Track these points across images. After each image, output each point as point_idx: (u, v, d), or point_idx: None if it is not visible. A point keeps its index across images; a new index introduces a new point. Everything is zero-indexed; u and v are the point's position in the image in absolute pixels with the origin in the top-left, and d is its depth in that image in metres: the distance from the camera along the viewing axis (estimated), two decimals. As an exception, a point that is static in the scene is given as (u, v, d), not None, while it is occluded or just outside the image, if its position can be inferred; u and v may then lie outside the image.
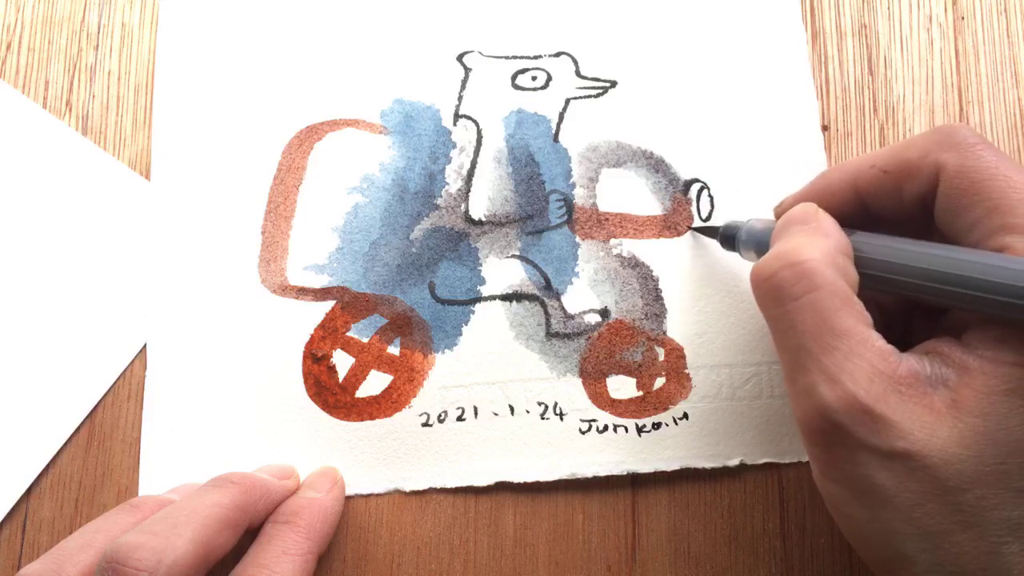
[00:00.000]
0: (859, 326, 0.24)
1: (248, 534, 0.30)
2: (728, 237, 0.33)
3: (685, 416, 0.34)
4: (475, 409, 0.35)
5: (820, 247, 0.25)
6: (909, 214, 0.27)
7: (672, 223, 0.36)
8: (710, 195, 0.36)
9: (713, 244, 0.36)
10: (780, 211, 0.30)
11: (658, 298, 0.35)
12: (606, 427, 0.34)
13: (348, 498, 0.34)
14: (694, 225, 0.36)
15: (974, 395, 0.23)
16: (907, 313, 0.30)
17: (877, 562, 0.25)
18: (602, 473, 0.34)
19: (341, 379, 0.35)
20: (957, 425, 0.22)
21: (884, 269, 0.25)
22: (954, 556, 0.23)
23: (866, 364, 0.23)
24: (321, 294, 0.36)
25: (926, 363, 0.24)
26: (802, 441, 0.26)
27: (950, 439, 0.22)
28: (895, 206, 0.27)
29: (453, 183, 0.37)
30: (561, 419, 0.34)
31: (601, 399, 0.35)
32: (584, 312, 0.35)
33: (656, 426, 0.34)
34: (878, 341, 0.24)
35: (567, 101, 0.38)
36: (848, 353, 0.23)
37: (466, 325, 0.35)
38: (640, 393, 0.35)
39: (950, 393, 0.23)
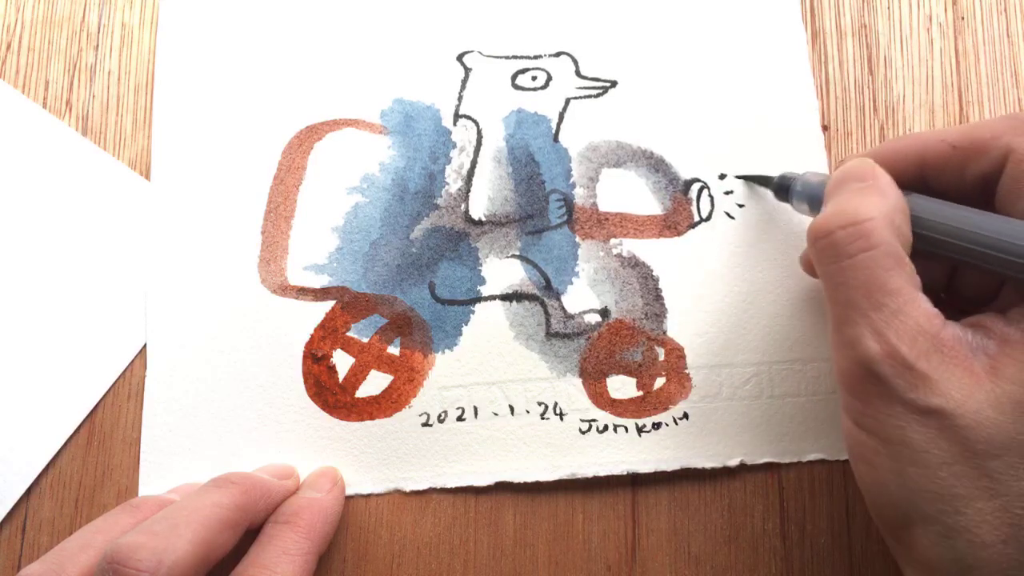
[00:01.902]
0: (908, 287, 0.25)
1: (248, 534, 0.30)
2: (783, 187, 0.33)
3: (685, 416, 0.34)
4: (475, 409, 0.35)
5: (878, 206, 0.26)
6: (967, 193, 0.28)
7: (672, 223, 0.36)
8: (710, 195, 0.36)
9: (712, 244, 0.36)
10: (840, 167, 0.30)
11: (658, 298, 0.35)
12: (606, 427, 0.34)
13: (348, 498, 0.34)
14: (747, 174, 0.36)
15: (1014, 364, 0.23)
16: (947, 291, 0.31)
17: (891, 520, 0.25)
18: (602, 473, 0.34)
19: (341, 379, 0.35)
20: (994, 390, 0.23)
21: (937, 231, 0.26)
22: (975, 523, 0.23)
23: (912, 322, 0.24)
24: (321, 294, 0.36)
25: (969, 332, 0.25)
26: (840, 392, 0.26)
27: (986, 403, 0.23)
28: (955, 183, 0.28)
29: (453, 183, 0.37)
30: (561, 419, 0.34)
31: (601, 399, 0.35)
32: (584, 312, 0.35)
33: (656, 426, 0.34)
34: (925, 303, 0.25)
35: (567, 101, 0.38)
36: (896, 311, 0.24)
37: (466, 325, 0.35)
38: (640, 393, 0.35)
39: (990, 361, 0.24)
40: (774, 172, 0.35)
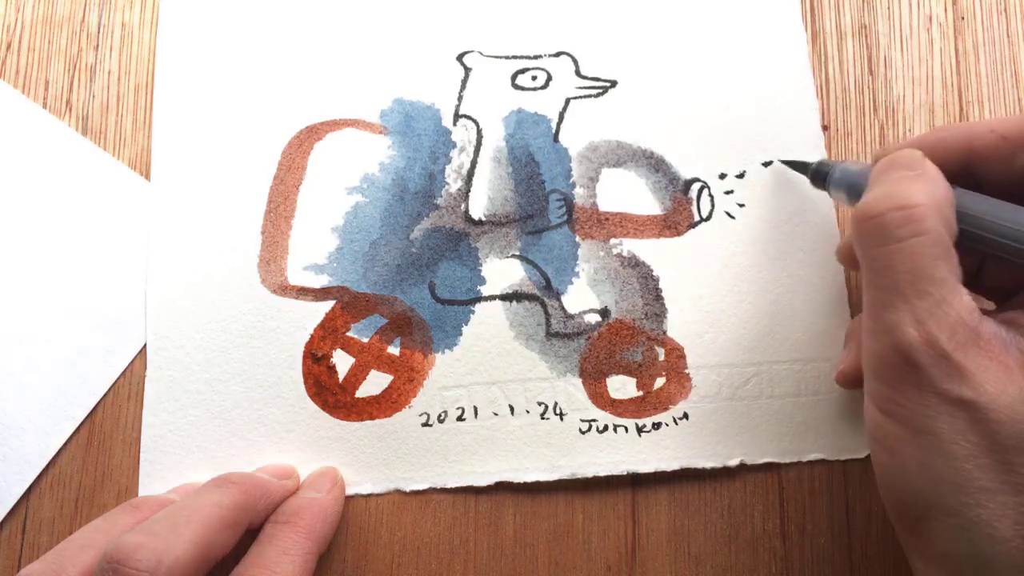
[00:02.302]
0: (952, 278, 0.24)
1: (248, 534, 0.30)
2: (820, 174, 0.33)
3: (685, 416, 0.34)
4: (475, 409, 0.35)
5: (929, 193, 0.25)
6: (1012, 184, 0.28)
7: (672, 223, 0.36)
8: (710, 195, 0.36)
9: (712, 244, 0.36)
10: (881, 155, 0.30)
11: (658, 298, 0.35)
12: (606, 427, 0.34)
13: (348, 498, 0.34)
14: (785, 159, 0.36)
15: None
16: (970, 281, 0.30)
17: (908, 511, 0.25)
18: (602, 473, 0.34)
19: (341, 379, 0.35)
20: None
21: (982, 227, 0.26)
22: (995, 518, 0.23)
23: (953, 313, 0.24)
24: (321, 294, 0.36)
25: (1003, 328, 0.25)
26: (866, 376, 0.26)
27: (1018, 398, 0.23)
28: (1004, 174, 0.28)
29: (453, 183, 0.37)
30: (561, 419, 0.34)
31: (601, 399, 0.35)
32: (584, 312, 0.35)
33: (656, 426, 0.34)
34: (966, 296, 0.24)
35: (567, 101, 0.38)
36: (939, 301, 0.24)
37: (466, 325, 0.35)
38: (640, 393, 0.35)
39: (1023, 357, 0.24)
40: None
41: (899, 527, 0.26)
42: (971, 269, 0.30)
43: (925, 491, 0.24)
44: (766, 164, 0.37)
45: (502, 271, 0.36)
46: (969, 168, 0.29)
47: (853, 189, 0.31)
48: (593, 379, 0.35)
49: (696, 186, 0.37)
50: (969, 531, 0.23)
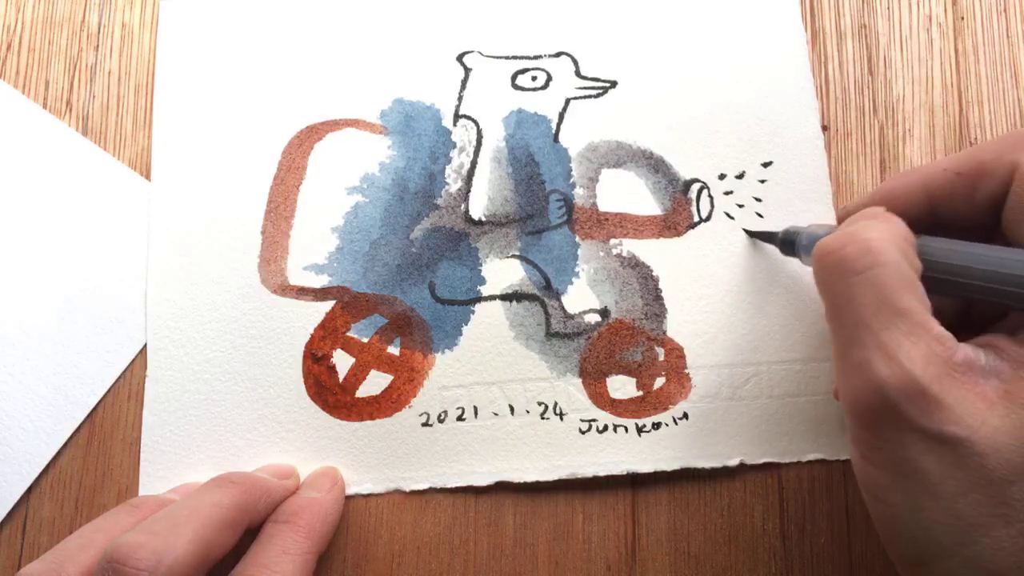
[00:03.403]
0: (919, 307, 0.24)
1: (248, 534, 0.30)
2: (788, 242, 0.32)
3: (685, 416, 0.34)
4: (475, 409, 0.35)
5: (887, 230, 0.25)
6: (979, 219, 0.27)
7: (672, 223, 0.36)
8: (710, 195, 0.36)
9: (712, 245, 0.36)
10: (842, 215, 0.30)
11: (658, 298, 0.35)
12: (606, 427, 0.34)
13: (348, 498, 0.34)
14: (748, 228, 0.36)
15: None
16: (958, 316, 0.30)
17: (907, 557, 0.25)
18: (602, 473, 0.34)
19: (341, 379, 0.35)
20: (1009, 415, 0.22)
21: (948, 272, 0.25)
22: (991, 552, 0.22)
23: (924, 345, 0.23)
24: (321, 294, 0.36)
25: (981, 354, 0.24)
26: (848, 421, 0.25)
27: (1000, 428, 0.22)
28: (966, 210, 0.27)
29: (453, 183, 0.37)
30: (561, 419, 0.34)
31: (601, 399, 0.35)
32: (584, 312, 0.35)
33: (656, 426, 0.34)
34: (936, 326, 0.24)
35: (567, 101, 0.38)
36: (907, 332, 0.23)
37: (466, 325, 0.35)
38: (640, 393, 0.35)
39: (1003, 385, 0.23)
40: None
41: (900, 570, 0.26)
42: (958, 310, 0.29)
43: (920, 536, 0.24)
44: (766, 164, 0.37)
45: (502, 271, 0.36)
46: (933, 211, 0.28)
47: None
48: (593, 379, 0.35)
49: (696, 186, 0.37)
50: (968, 569, 0.23)
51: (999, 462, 0.22)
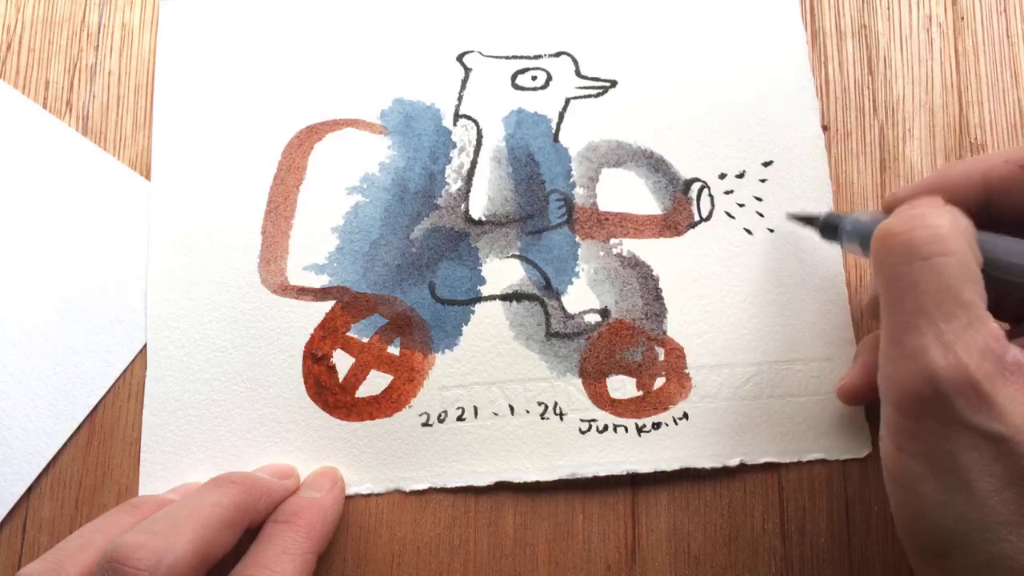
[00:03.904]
0: (980, 302, 0.23)
1: (248, 534, 0.30)
2: (830, 226, 0.32)
3: (685, 416, 0.34)
4: (475, 409, 0.35)
5: (953, 219, 0.25)
6: None
7: (672, 223, 0.36)
8: (710, 195, 0.36)
9: (712, 244, 0.36)
10: (891, 202, 0.29)
11: (658, 298, 0.35)
12: (606, 427, 0.34)
13: (348, 498, 0.34)
14: (792, 212, 0.35)
15: None
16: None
17: (928, 548, 0.24)
18: (602, 473, 0.34)
19: (341, 379, 0.35)
20: None
21: (1008, 270, 0.25)
22: (1017, 551, 0.22)
23: (981, 340, 0.23)
24: (321, 294, 0.36)
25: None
26: (884, 407, 0.25)
27: None
28: None
29: (453, 183, 0.37)
30: (561, 419, 0.34)
31: (601, 399, 0.35)
32: (584, 312, 0.35)
33: (656, 426, 0.34)
34: (992, 323, 0.23)
35: (567, 101, 0.38)
36: (967, 325, 0.23)
37: (466, 325, 0.35)
38: (640, 393, 0.35)
39: None
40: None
41: (918, 563, 0.26)
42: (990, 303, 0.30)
43: (946, 529, 0.23)
44: (766, 164, 0.37)
45: (502, 271, 0.36)
46: (988, 204, 0.28)
47: (867, 240, 0.29)
48: (593, 379, 0.35)
49: (696, 186, 0.37)
50: (992, 567, 0.23)
51: None
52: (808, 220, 0.34)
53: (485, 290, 0.36)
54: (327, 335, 0.35)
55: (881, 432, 0.25)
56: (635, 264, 0.36)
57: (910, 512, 0.25)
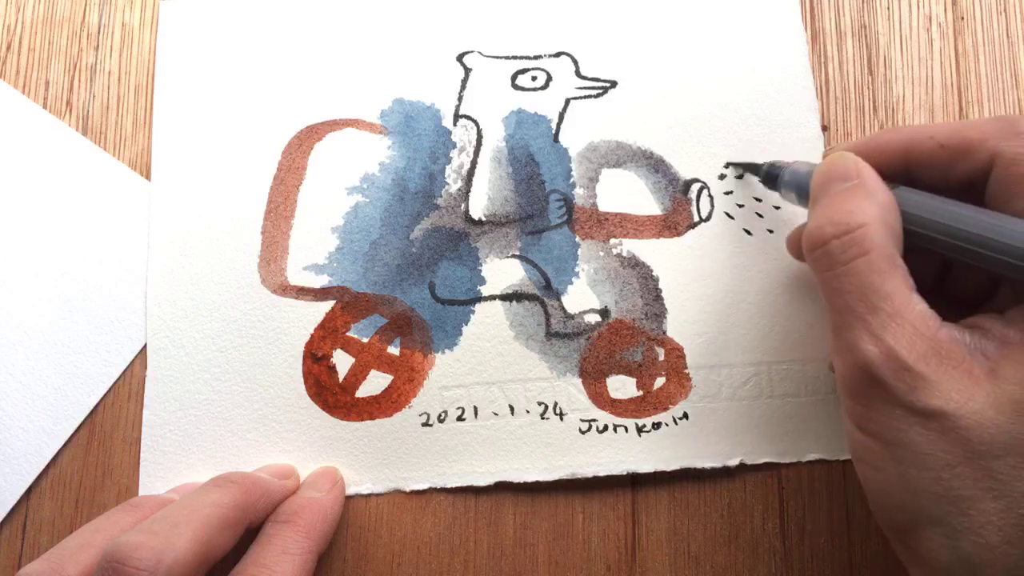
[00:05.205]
0: (903, 289, 0.25)
1: (248, 534, 0.30)
2: (771, 176, 0.33)
3: (685, 416, 0.34)
4: (475, 409, 0.35)
5: (870, 212, 0.26)
6: (952, 191, 0.28)
7: (672, 223, 0.36)
8: (710, 195, 0.36)
9: (712, 245, 0.36)
10: (828, 155, 0.30)
11: (658, 298, 0.35)
12: (606, 427, 0.34)
13: (348, 498, 0.34)
14: (733, 161, 0.36)
15: (1013, 365, 0.23)
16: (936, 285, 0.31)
17: (897, 523, 0.25)
18: (602, 473, 0.34)
19: (341, 379, 0.35)
20: (994, 392, 0.23)
21: (926, 226, 0.26)
22: (979, 524, 0.23)
23: (908, 325, 0.24)
24: (321, 294, 0.36)
25: (966, 334, 0.25)
26: (840, 395, 0.26)
27: (986, 404, 0.23)
28: (941, 180, 0.28)
29: (453, 183, 0.37)
30: (561, 419, 0.34)
31: (601, 399, 0.35)
32: (584, 312, 0.35)
33: (656, 426, 0.34)
34: (919, 305, 0.25)
35: (567, 101, 0.38)
36: (892, 313, 0.24)
37: (466, 325, 0.35)
38: (640, 393, 0.35)
39: (988, 363, 0.24)
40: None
41: (891, 539, 0.26)
42: (932, 278, 0.30)
43: (908, 504, 0.24)
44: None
45: (502, 271, 0.36)
46: (908, 173, 0.29)
47: (803, 191, 0.31)
48: (593, 379, 0.35)
49: (696, 186, 0.37)
50: (956, 539, 0.23)
51: (984, 436, 0.23)
52: (751, 168, 0.35)
53: (485, 290, 0.36)
54: (327, 335, 0.35)
55: (844, 418, 0.27)
56: (635, 264, 0.36)
57: (875, 488, 0.26)
